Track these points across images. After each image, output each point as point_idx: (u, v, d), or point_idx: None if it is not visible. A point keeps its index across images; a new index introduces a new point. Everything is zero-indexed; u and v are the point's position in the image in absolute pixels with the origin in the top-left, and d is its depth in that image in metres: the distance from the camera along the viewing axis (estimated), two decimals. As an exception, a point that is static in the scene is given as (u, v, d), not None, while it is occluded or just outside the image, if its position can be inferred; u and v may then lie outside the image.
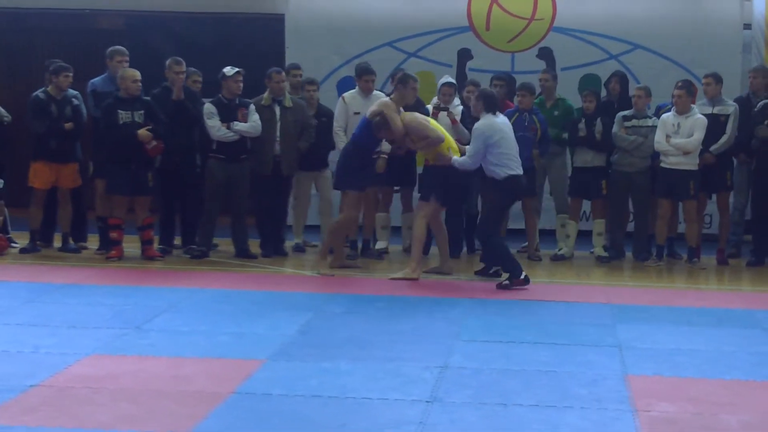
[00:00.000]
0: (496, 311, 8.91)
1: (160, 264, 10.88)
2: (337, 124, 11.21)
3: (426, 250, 11.00)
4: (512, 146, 10.02)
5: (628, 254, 11.73)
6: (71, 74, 11.16)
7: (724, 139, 11.34)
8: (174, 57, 11.26)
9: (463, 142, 10.53)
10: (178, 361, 7.02)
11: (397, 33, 13.41)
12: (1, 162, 11.60)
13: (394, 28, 13.41)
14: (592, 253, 11.76)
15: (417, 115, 10.34)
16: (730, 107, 11.42)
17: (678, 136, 11.05)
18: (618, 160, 11.51)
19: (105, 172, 11.07)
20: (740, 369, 7.14)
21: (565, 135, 11.65)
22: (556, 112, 11.80)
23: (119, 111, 10.75)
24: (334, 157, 11.58)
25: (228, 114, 10.98)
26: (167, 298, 9.03)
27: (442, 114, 10.98)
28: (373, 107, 10.34)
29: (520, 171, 10.01)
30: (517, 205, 11.66)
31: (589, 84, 12.70)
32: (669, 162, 11.12)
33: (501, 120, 10.09)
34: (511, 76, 12.29)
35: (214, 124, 10.95)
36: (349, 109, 11.16)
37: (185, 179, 11.23)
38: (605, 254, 11.60)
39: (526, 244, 11.84)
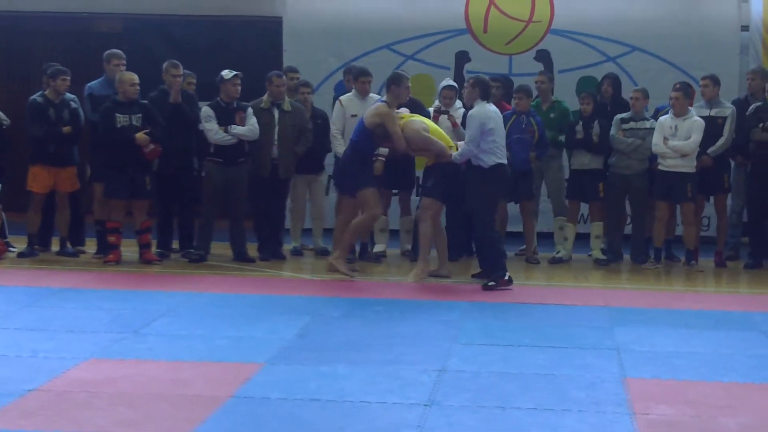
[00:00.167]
0: (494, 314, 8.91)
1: (158, 268, 10.87)
2: (335, 127, 11.20)
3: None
4: (502, 136, 10.21)
5: (626, 257, 11.72)
6: (69, 78, 11.14)
7: (721, 141, 11.34)
8: (171, 60, 11.22)
9: (463, 144, 10.53)
10: (177, 365, 7.01)
11: (395, 36, 13.39)
12: (0, 166, 11.60)
13: (391, 31, 13.39)
14: (589, 255, 11.75)
15: (417, 125, 10.31)
16: (728, 109, 11.41)
17: (675, 138, 11.04)
18: (615, 163, 11.50)
19: (103, 176, 11.05)
20: (738, 371, 7.14)
21: (562, 137, 11.65)
22: (552, 115, 11.80)
23: (117, 114, 10.74)
24: (330, 161, 11.59)
25: (226, 117, 10.97)
26: (165, 302, 9.02)
27: (443, 117, 10.98)
28: (370, 116, 10.32)
29: (504, 161, 10.11)
30: (515, 208, 11.68)
31: (586, 86, 12.67)
32: (666, 164, 11.10)
33: (493, 108, 10.20)
34: (508, 78, 12.26)
35: (211, 128, 10.95)
36: (346, 112, 11.14)
37: (183, 183, 11.21)
38: (603, 257, 11.59)
39: (524, 246, 11.84)
